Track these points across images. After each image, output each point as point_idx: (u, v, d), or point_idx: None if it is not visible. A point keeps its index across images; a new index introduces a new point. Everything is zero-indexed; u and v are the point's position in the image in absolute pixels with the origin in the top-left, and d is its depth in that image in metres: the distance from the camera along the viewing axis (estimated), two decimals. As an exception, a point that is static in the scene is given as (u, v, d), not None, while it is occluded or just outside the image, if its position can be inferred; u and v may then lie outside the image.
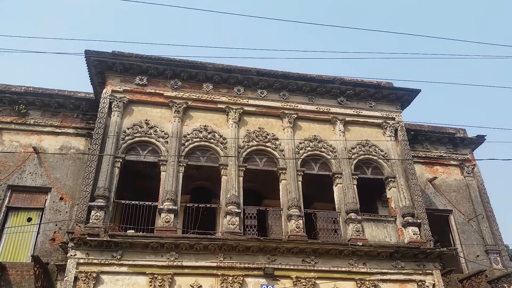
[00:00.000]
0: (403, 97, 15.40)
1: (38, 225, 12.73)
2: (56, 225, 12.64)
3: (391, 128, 14.94)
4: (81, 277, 10.72)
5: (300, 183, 13.32)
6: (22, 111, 14.20)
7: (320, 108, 14.74)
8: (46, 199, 13.17)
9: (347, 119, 14.76)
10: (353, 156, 14.17)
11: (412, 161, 14.67)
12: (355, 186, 13.62)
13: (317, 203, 14.50)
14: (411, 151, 15.15)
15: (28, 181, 13.31)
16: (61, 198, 13.11)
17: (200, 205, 12.65)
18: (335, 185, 13.71)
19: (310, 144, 14.09)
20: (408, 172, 14.17)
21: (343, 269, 12.12)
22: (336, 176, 13.73)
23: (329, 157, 14.01)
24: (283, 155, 13.65)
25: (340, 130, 14.49)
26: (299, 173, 13.46)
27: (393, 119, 15.15)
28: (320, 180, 14.29)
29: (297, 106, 14.56)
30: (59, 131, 14.26)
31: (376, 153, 14.46)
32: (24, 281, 11.74)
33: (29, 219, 12.95)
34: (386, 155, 14.46)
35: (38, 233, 12.63)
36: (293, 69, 18.93)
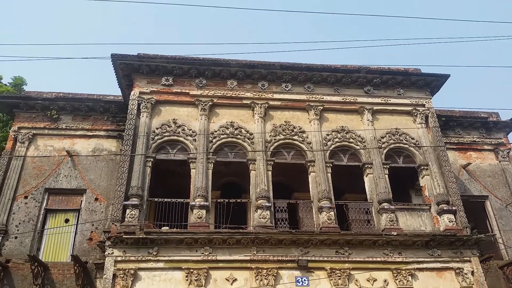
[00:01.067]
0: (432, 83, 15.05)
1: (75, 225, 13.14)
2: (93, 225, 13.02)
3: (421, 115, 14.62)
4: (119, 274, 11.01)
5: (329, 175, 13.23)
6: (54, 116, 14.67)
7: (346, 99, 14.58)
8: (81, 200, 13.58)
9: (375, 108, 14.55)
10: (383, 145, 13.96)
11: (444, 147, 14.33)
12: (386, 176, 13.41)
13: (347, 195, 14.37)
14: (443, 138, 14.77)
15: (63, 183, 13.74)
16: (96, 199, 13.49)
17: (230, 200, 12.75)
18: (366, 176, 13.55)
19: (338, 135, 13.97)
20: (441, 159, 13.84)
21: (378, 259, 12.01)
22: (366, 166, 13.56)
23: (358, 147, 13.86)
24: (311, 147, 13.59)
25: (368, 120, 14.29)
26: (328, 165, 13.37)
27: (423, 105, 14.83)
28: (350, 171, 14.16)
29: (323, 98, 14.45)
30: (91, 134, 14.66)
31: (407, 141, 14.20)
32: (65, 280, 12.16)
33: (67, 220, 13.39)
34: (417, 142, 14.17)
35: (76, 233, 13.04)
36: (317, 61, 18.77)
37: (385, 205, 12.81)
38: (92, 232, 12.94)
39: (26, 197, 13.40)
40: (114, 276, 11.01)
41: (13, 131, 14.45)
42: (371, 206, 13.12)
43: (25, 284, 11.99)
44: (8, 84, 24.41)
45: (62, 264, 12.47)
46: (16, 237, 12.76)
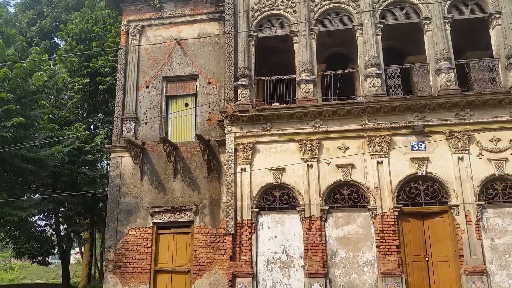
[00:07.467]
0: None
1: (194, 108, 14.24)
2: (209, 106, 13.95)
3: None
4: (240, 148, 12.04)
5: (448, 32, 11.88)
6: (157, 6, 14.99)
7: None
8: (196, 85, 14.42)
9: None
10: (516, -12, 11.82)
11: None
12: (518, 25, 11.62)
13: (469, 53, 12.93)
14: None
15: (177, 71, 14.58)
16: (209, 83, 14.18)
17: (337, 72, 12.45)
18: (492, 28, 11.89)
19: (458, -16, 12.11)
20: None
21: (504, 118, 11.19)
22: (493, 16, 11.81)
23: (483, -6, 11.95)
24: (426, 1, 12.08)
25: (496, -43, 11.98)
26: (447, 21, 11.92)
27: None
28: (472, 25, 12.56)
29: None
30: (193, 19, 14.80)
31: (548, -23, 11.79)
32: (193, 156, 13.69)
33: (186, 105, 14.53)
34: (562, -22, 11.67)
35: (196, 115, 14.18)
36: None
37: (515, 59, 11.36)
38: (210, 113, 13.92)
39: (147, 87, 14.63)
40: (235, 150, 12.09)
41: (123, 25, 15.27)
42: (497, 62, 11.76)
43: (161, 162, 13.81)
44: (107, -20, 25.21)
45: (188, 143, 13.92)
46: (146, 123, 14.34)
